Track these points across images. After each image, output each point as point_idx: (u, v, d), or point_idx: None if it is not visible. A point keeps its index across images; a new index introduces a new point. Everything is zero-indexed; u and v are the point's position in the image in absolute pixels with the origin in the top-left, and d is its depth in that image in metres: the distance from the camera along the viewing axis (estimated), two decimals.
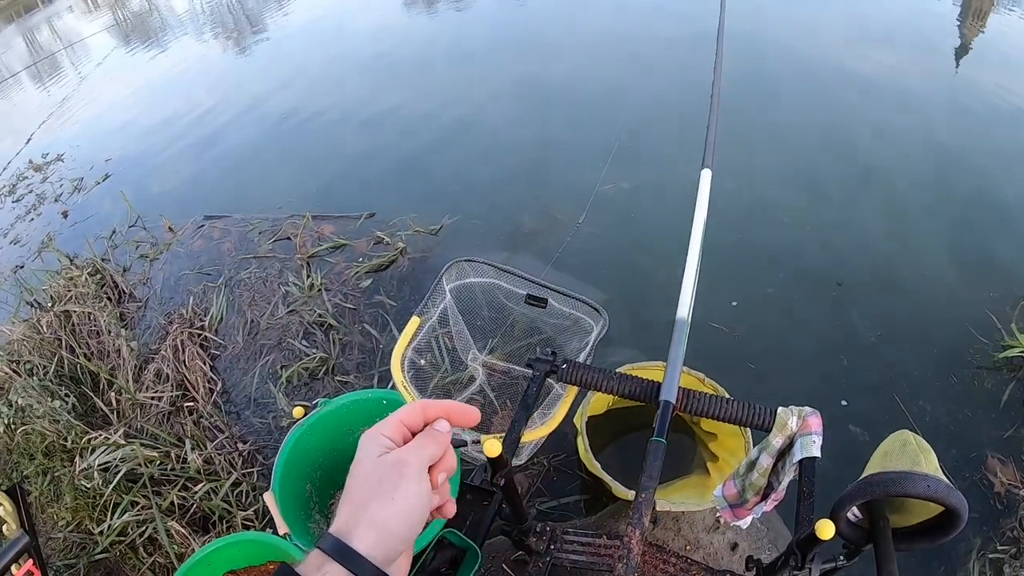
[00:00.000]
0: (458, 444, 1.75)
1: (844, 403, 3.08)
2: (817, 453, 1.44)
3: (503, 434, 1.59)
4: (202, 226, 4.83)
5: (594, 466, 2.22)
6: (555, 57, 6.28)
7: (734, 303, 3.52)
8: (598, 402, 2.47)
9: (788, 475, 1.50)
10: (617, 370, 2.17)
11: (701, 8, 4.82)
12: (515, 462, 2.02)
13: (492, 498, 2.03)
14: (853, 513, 1.28)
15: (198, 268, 4.38)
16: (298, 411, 2.30)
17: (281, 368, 3.45)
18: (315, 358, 3.41)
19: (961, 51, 6.08)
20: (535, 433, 1.76)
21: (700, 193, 2.05)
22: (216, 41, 8.78)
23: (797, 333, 3.43)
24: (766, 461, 1.56)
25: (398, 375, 1.87)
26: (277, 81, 6.93)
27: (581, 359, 1.93)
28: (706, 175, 2.08)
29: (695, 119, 2.50)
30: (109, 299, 4.23)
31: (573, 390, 1.79)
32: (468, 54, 6.67)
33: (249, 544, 1.87)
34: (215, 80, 7.60)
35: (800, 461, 1.45)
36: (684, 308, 1.72)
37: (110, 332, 3.85)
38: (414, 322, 1.98)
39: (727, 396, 2.16)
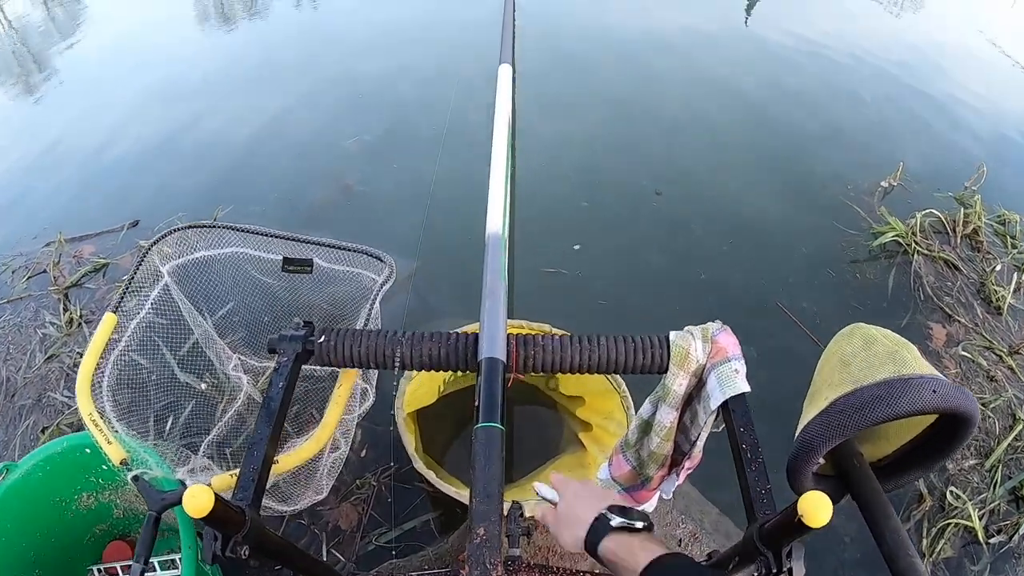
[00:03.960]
0: (172, 500, 1.10)
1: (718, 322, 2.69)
2: (745, 387, 0.95)
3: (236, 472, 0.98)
4: None
5: (428, 474, 1.61)
6: (343, 55, 5.77)
7: (576, 247, 3.14)
8: (422, 387, 1.87)
9: (705, 429, 1.01)
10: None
11: None
12: (311, 497, 1.40)
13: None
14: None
15: None
16: None
17: (42, 431, 2.72)
18: (77, 409, 2.66)
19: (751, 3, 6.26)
20: (293, 457, 1.11)
21: (500, 89, 1.67)
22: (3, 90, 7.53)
23: (645, 259, 3.11)
24: (668, 417, 1.03)
25: (85, 404, 1.21)
26: (60, 114, 5.91)
27: (360, 325, 1.31)
28: (504, 70, 1.75)
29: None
30: None
31: (348, 377, 1.17)
32: (246, 60, 5.99)
33: None
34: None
35: (725, 404, 0.96)
36: (496, 219, 1.16)
37: None
38: (107, 322, 1.32)
39: (613, 335, 1.65)
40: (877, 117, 4.27)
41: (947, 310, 2.85)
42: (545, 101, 4.38)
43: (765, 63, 4.99)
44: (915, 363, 0.83)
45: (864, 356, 0.86)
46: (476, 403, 0.89)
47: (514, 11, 2.00)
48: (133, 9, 8.36)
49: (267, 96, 5.05)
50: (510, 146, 1.36)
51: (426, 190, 3.58)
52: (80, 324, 3.09)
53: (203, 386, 2.16)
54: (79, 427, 2.63)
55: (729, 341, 1.00)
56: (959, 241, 3.20)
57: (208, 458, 1.42)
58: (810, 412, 0.88)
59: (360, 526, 2.07)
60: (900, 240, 3.11)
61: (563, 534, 0.86)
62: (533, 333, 1.03)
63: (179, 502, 1.09)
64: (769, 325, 2.71)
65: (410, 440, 1.67)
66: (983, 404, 2.48)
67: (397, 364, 1.02)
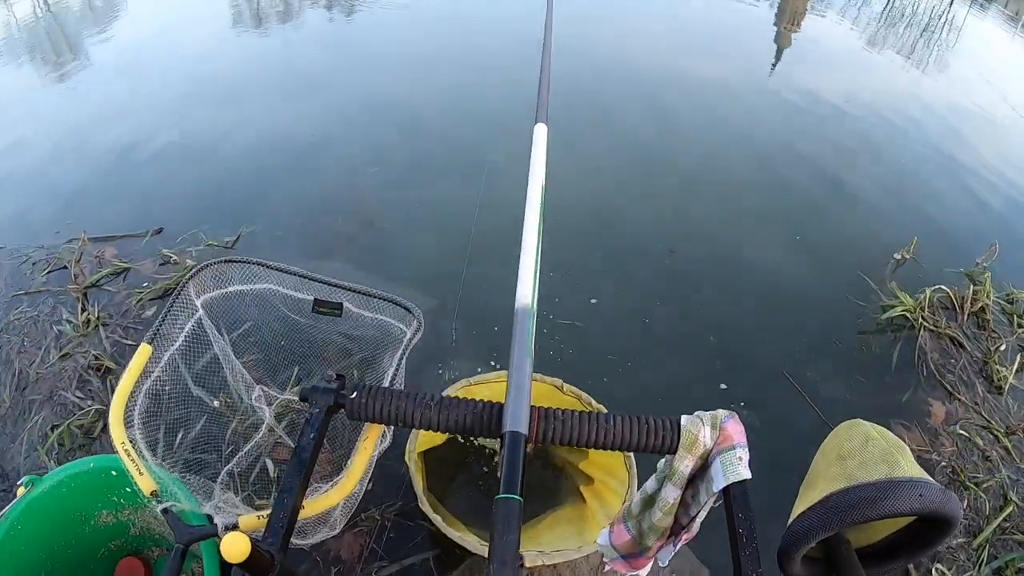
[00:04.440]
0: (200, 535, 1.15)
1: (723, 387, 2.76)
2: (747, 474, 0.99)
3: (267, 512, 1.02)
4: None
5: (435, 518, 1.66)
6: (377, 75, 5.83)
7: (593, 300, 3.17)
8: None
9: (705, 508, 1.06)
10: (449, 390, 1.65)
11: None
12: (326, 533, 1.44)
13: None
14: None
15: None
16: (22, 492, 1.65)
17: (51, 429, 2.74)
18: (90, 411, 2.72)
19: (778, 53, 6.52)
20: (318, 503, 1.17)
21: (535, 149, 1.65)
22: (34, 69, 7.62)
23: (656, 317, 3.13)
24: (672, 495, 1.08)
25: (118, 432, 1.25)
26: (93, 109, 5.99)
27: (387, 380, 1.36)
28: (540, 130, 1.72)
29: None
30: None
31: (374, 430, 1.22)
32: (287, 74, 6.06)
33: None
34: (28, 112, 6.54)
35: (726, 489, 0.99)
36: (526, 292, 1.19)
37: None
38: (143, 352, 1.37)
39: (601, 411, 1.70)
40: (894, 184, 4.33)
41: (948, 387, 2.89)
42: (563, 146, 4.44)
43: (786, 120, 5.07)
44: (907, 466, 0.88)
45: (860, 454, 0.92)
46: (499, 470, 0.94)
47: (550, 69, 2.00)
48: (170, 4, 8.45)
49: (301, 110, 5.11)
50: (542, 213, 1.40)
51: (451, 223, 3.65)
52: (96, 326, 3.12)
53: (216, 403, 2.20)
54: (89, 429, 2.68)
55: (736, 429, 1.04)
56: (966, 318, 3.24)
57: (225, 486, 1.47)
58: (805, 501, 0.93)
59: (361, 558, 2.10)
60: (908, 315, 3.15)
61: None
62: (554, 407, 1.07)
63: (206, 537, 1.14)
64: (773, 393, 2.74)
65: (419, 482, 1.72)
66: (976, 484, 2.51)
67: (424, 426, 1.07)
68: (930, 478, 0.86)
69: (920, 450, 2.59)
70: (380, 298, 1.46)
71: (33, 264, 3.69)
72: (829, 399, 2.73)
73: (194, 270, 1.47)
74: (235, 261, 1.53)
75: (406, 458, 1.78)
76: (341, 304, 1.48)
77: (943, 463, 2.57)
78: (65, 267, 3.57)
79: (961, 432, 2.71)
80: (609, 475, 1.88)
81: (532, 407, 1.04)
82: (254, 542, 0.86)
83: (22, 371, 3.08)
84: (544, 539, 1.80)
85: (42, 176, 4.76)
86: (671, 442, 1.04)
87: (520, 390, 1.03)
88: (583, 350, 2.89)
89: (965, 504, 2.47)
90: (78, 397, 2.84)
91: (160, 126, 5.06)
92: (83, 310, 3.23)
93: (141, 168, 4.52)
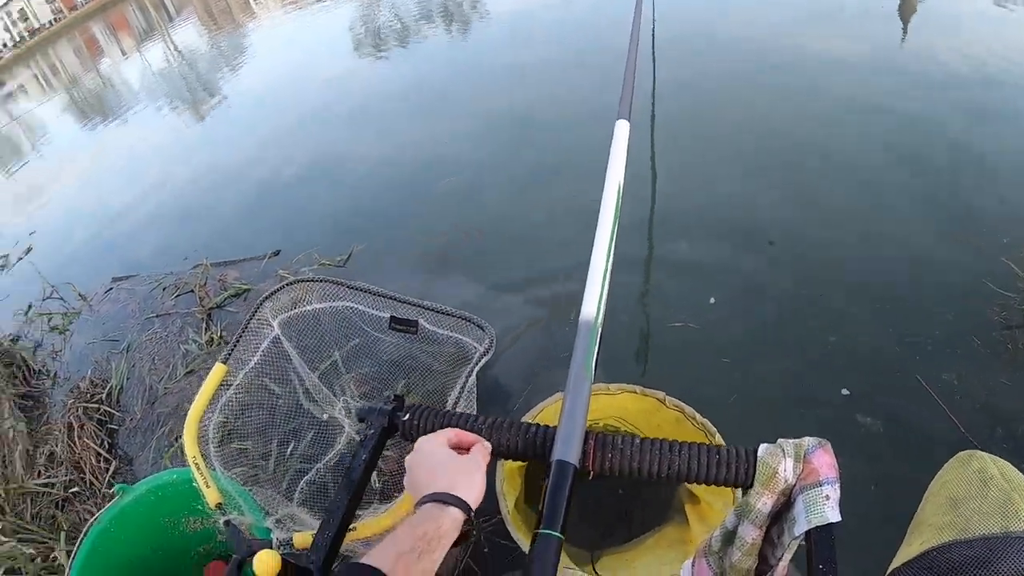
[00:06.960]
0: (255, 549, 1.13)
1: (845, 392, 2.50)
2: (835, 516, 0.83)
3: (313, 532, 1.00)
4: (110, 289, 4.40)
5: (523, 544, 1.56)
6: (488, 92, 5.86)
7: (712, 300, 2.97)
8: None
9: (789, 551, 0.90)
10: (546, 402, 1.58)
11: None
12: None
13: None
14: None
15: (104, 335, 3.93)
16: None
17: (176, 439, 2.94)
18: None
19: (905, 24, 5.83)
20: (369, 527, 1.13)
21: (615, 146, 1.59)
22: (172, 111, 8.29)
23: (775, 316, 2.90)
24: (750, 534, 0.94)
25: (191, 447, 1.28)
26: (223, 144, 6.52)
27: (451, 401, 1.30)
28: (622, 126, 1.66)
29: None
30: (16, 380, 3.82)
31: None
32: (396, 99, 6.21)
33: None
34: (169, 148, 7.07)
35: (808, 533, 0.84)
36: (591, 303, 1.11)
37: (5, 417, 3.43)
38: (217, 371, 1.39)
39: (705, 426, 1.59)
40: None
41: None
42: (676, 134, 4.36)
43: (916, 95, 4.53)
44: None
45: (976, 499, 0.75)
46: (542, 504, 0.86)
47: (635, 66, 1.92)
48: (292, 41, 8.89)
49: (412, 130, 5.29)
50: (617, 215, 1.31)
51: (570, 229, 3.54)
52: (219, 344, 3.32)
53: (326, 416, 2.23)
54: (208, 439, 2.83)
55: (824, 461, 0.89)
56: None
57: (303, 504, 1.46)
58: (905, 551, 0.77)
59: (454, 572, 2.05)
60: None
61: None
62: (616, 431, 0.97)
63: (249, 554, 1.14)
64: (902, 400, 2.46)
65: (509, 500, 1.64)
66: None
67: None
68: None
69: None
70: (453, 316, 1.41)
71: (164, 289, 4.01)
72: (968, 405, 2.40)
73: (268, 292, 1.48)
74: (313, 280, 1.53)
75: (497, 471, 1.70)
76: (416, 322, 1.45)
77: None
78: (192, 291, 3.81)
79: None
80: (716, 495, 1.73)
81: (588, 432, 0.96)
82: (288, 560, 0.88)
83: (152, 387, 3.34)
84: (642, 562, 1.68)
85: (173, 207, 5.11)
86: (746, 475, 0.92)
87: (573, 416, 0.96)
88: (695, 352, 2.74)
89: None
90: None
91: (273, 150, 5.42)
92: (207, 330, 3.46)
93: (258, 192, 4.82)
